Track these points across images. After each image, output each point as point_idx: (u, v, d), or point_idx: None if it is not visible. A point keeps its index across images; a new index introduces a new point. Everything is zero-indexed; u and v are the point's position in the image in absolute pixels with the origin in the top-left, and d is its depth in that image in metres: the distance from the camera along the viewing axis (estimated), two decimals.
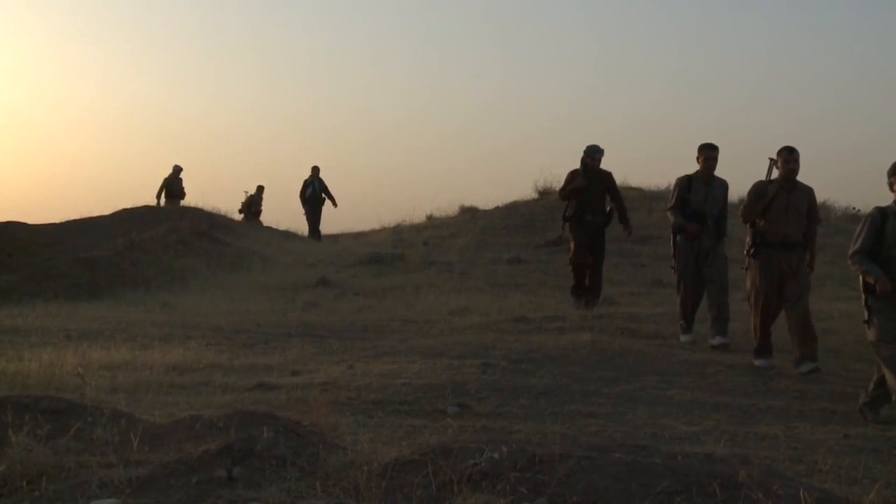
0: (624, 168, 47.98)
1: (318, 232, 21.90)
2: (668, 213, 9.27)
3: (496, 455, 3.89)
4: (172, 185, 22.33)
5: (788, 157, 7.93)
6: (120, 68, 49.10)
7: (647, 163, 40.57)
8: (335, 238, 21.46)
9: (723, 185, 9.28)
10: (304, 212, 21.97)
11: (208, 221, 19.44)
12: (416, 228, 20.87)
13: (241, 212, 23.65)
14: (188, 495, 3.83)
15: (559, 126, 46.99)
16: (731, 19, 52.41)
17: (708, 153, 9.04)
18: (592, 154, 11.10)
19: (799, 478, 4.11)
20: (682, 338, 9.08)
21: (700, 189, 9.07)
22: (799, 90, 47.93)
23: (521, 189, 27.69)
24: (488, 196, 32.77)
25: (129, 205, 20.44)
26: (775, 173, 8.07)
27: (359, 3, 54.90)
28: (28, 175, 40.33)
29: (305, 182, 21.78)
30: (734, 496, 3.44)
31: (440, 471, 3.80)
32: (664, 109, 47.93)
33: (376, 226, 22.22)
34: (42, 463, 4.19)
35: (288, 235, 21.51)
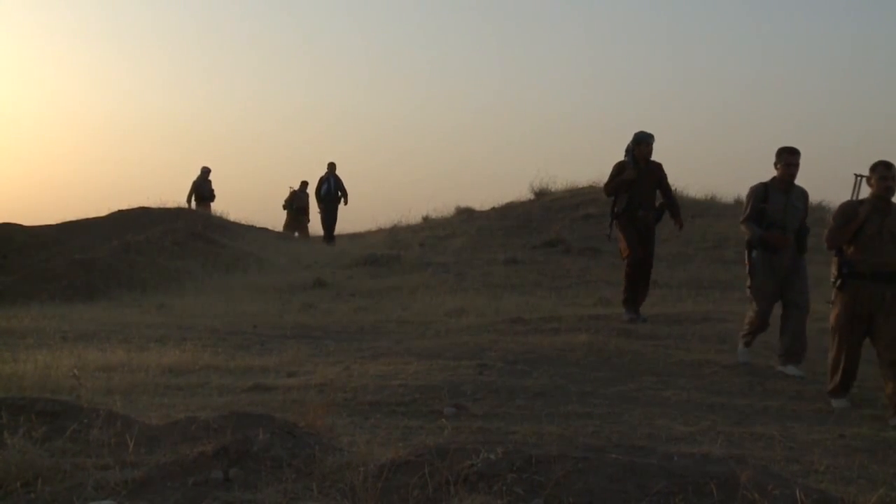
0: None
1: (332, 234, 21.26)
2: (742, 227, 8.08)
3: (492, 456, 3.90)
4: (201, 188, 22.03)
5: (886, 174, 6.74)
6: (115, 69, 49.07)
7: None
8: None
9: (803, 195, 8.11)
10: (317, 210, 21.41)
11: (203, 223, 19.42)
12: (412, 229, 20.87)
13: (285, 208, 22.65)
14: (184, 497, 3.83)
15: (555, 127, 47.02)
16: (730, 18, 52.49)
17: (788, 158, 7.83)
18: (642, 142, 10.01)
19: (795, 478, 4.12)
20: (741, 352, 8.19)
21: (778, 198, 7.90)
22: (798, 89, 48.00)
23: (518, 190, 27.69)
24: (484, 197, 32.83)
25: (124, 206, 20.44)
26: (865, 190, 6.99)
27: (354, 4, 54.92)
28: (24, 177, 40.28)
29: (321, 179, 21.26)
30: (731, 496, 3.45)
31: (436, 472, 3.80)
32: (662, 110, 47.96)
33: (372, 227, 22.24)
34: (38, 465, 4.19)
35: (284, 237, 21.47)
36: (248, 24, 52.92)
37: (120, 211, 20.15)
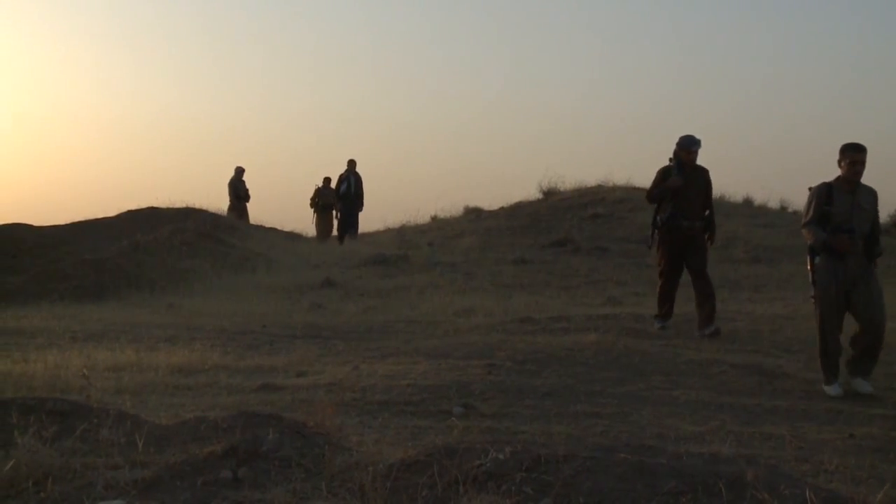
0: (630, 168, 48.03)
1: (355, 231, 20.80)
2: (804, 231, 7.36)
3: (501, 456, 3.90)
4: (237, 188, 21.91)
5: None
6: (125, 70, 49.19)
7: (652, 162, 40.49)
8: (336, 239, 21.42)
9: (872, 195, 7.33)
10: (337, 209, 21.00)
11: (213, 223, 19.43)
12: (420, 229, 20.87)
13: (311, 206, 22.08)
14: (194, 496, 3.84)
15: (563, 127, 46.98)
16: (735, 17, 52.38)
17: (854, 155, 7.16)
18: (688, 146, 9.40)
19: (805, 478, 4.10)
20: (829, 389, 7.13)
21: (844, 199, 7.18)
22: (804, 88, 47.87)
23: (526, 190, 27.75)
24: (493, 197, 32.82)
25: (134, 206, 20.48)
26: None
27: (361, 3, 54.95)
28: (33, 177, 40.43)
29: (340, 177, 20.92)
30: (740, 496, 3.44)
31: (445, 471, 3.80)
32: (669, 109, 47.86)
33: (381, 227, 22.22)
34: (48, 464, 4.20)
35: (292, 236, 21.48)
36: (256, 25, 53.00)
37: (129, 211, 20.20)
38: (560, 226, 18.05)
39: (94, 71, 48.61)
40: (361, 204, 20.89)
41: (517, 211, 20.10)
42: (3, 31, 47.53)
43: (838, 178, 7.25)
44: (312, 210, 22.13)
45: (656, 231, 9.61)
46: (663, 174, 9.48)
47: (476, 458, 3.90)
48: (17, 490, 4.02)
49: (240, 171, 22.11)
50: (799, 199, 19.23)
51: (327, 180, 21.68)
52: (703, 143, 9.44)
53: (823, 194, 7.24)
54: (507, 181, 43.00)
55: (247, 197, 22.18)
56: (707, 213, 9.53)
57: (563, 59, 51.33)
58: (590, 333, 8.99)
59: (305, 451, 4.29)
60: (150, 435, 4.64)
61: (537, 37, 52.40)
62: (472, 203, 21.64)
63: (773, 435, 5.71)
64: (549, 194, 20.93)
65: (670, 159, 9.45)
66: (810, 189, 7.37)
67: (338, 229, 21.12)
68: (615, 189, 20.47)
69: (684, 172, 9.34)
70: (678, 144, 9.40)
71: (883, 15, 49.23)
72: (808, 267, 7.37)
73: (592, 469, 3.74)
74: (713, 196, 9.88)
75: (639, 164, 45.32)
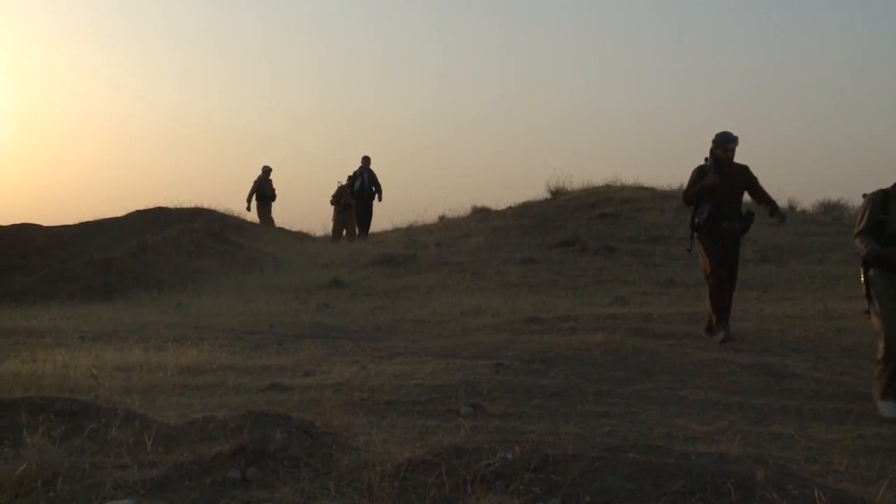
0: (638, 168, 47.98)
1: (366, 231, 20.73)
2: (857, 241, 6.83)
3: (509, 455, 3.90)
4: (263, 188, 21.84)
5: None
6: (133, 70, 49.29)
7: (659, 162, 40.45)
8: (344, 239, 21.42)
9: None
10: (352, 206, 20.83)
11: (221, 223, 19.46)
12: (428, 229, 20.87)
13: (332, 204, 21.65)
14: (202, 496, 3.85)
15: (571, 126, 46.95)
16: (740, 17, 52.26)
17: None
18: (724, 143, 8.97)
19: (814, 478, 4.10)
20: (885, 408, 6.49)
21: None
22: (810, 87, 47.75)
23: (534, 189, 27.67)
24: (500, 196, 32.82)
25: (142, 207, 20.52)
26: None
27: (368, 3, 54.98)
28: (42, 177, 40.54)
29: (354, 174, 20.85)
30: (748, 496, 3.43)
31: (453, 471, 3.81)
32: (677, 109, 47.80)
33: (388, 226, 22.22)
34: (57, 464, 4.22)
35: (300, 236, 21.50)
36: (264, 26, 53.08)
37: (138, 211, 20.24)
38: (568, 225, 18.02)
39: (102, 71, 48.76)
40: (380, 196, 20.84)
41: (525, 211, 20.08)
42: (11, 31, 47.68)
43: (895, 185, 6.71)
44: (333, 208, 21.91)
45: (695, 234, 9.12)
46: (699, 173, 9.08)
47: (484, 458, 3.90)
48: (26, 489, 4.04)
49: (267, 171, 22.00)
50: (805, 199, 19.24)
51: (352, 177, 21.32)
52: (739, 140, 8.97)
53: (879, 202, 6.67)
54: (514, 181, 43.01)
55: (273, 196, 22.07)
56: (746, 212, 9.09)
57: (571, 58, 51.33)
58: (597, 333, 8.98)
59: (313, 450, 4.30)
60: (158, 435, 4.65)
61: (545, 36, 52.40)
62: (480, 203, 21.64)
63: (782, 435, 5.70)
64: (557, 194, 20.91)
65: (706, 158, 9.06)
66: (865, 195, 6.83)
67: (357, 227, 20.99)
68: (623, 189, 20.45)
69: (721, 171, 8.95)
70: (714, 141, 9.01)
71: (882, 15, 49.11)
72: (862, 279, 6.81)
73: (600, 469, 3.74)
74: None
75: (647, 164, 45.26)
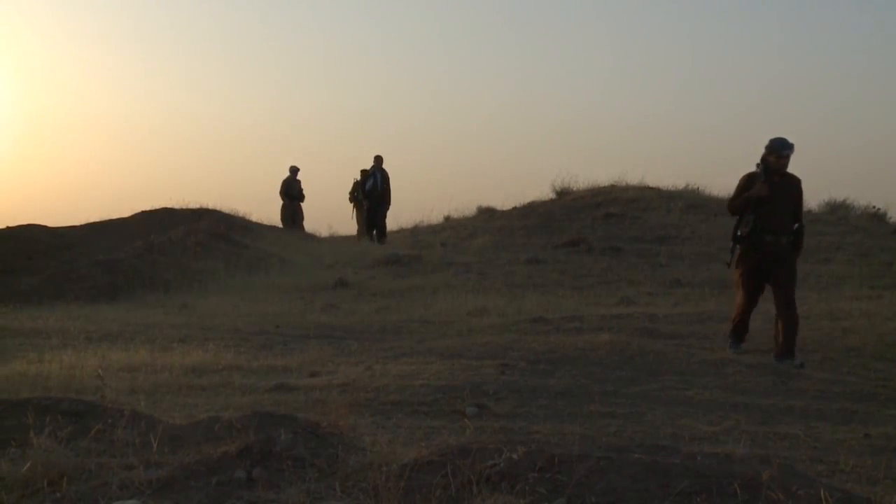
0: (643, 168, 47.93)
1: (383, 231, 20.46)
2: None
3: (515, 456, 3.89)
4: (291, 188, 21.76)
5: None
6: (139, 71, 49.37)
7: (665, 162, 40.44)
8: (353, 239, 21.43)
9: None
10: (364, 207, 20.74)
11: (226, 223, 19.48)
12: (433, 229, 20.87)
13: (351, 200, 21.77)
14: (208, 496, 3.85)
15: (577, 126, 46.92)
16: (746, 16, 52.19)
17: None
18: (779, 150, 8.21)
19: (820, 478, 4.09)
20: None
21: None
22: (814, 87, 47.68)
23: (539, 189, 27.68)
24: (506, 197, 32.72)
25: (148, 207, 20.55)
26: None
27: (376, 5, 55.00)
28: (48, 178, 40.62)
29: (367, 173, 20.71)
30: (754, 496, 3.43)
31: (459, 471, 3.80)
32: (681, 108, 47.75)
33: (394, 227, 22.23)
34: (63, 464, 4.22)
35: (306, 237, 21.52)
36: (269, 26, 53.13)
37: (143, 212, 20.25)
38: (573, 225, 18.03)
39: (107, 72, 48.84)
40: (388, 202, 20.47)
41: (530, 211, 20.08)
42: (16, 32, 47.78)
43: None
44: (352, 205, 21.86)
45: (737, 246, 8.46)
46: (747, 181, 8.36)
47: (489, 458, 3.90)
48: (32, 490, 4.05)
49: (294, 171, 21.84)
50: (811, 198, 19.14)
51: (364, 172, 21.12)
52: (795, 147, 8.23)
53: None
54: (520, 181, 43.10)
55: (301, 197, 21.97)
56: (796, 226, 8.35)
57: (575, 58, 51.29)
58: (603, 333, 8.97)
59: (319, 451, 4.30)
60: (164, 435, 4.66)
61: (550, 37, 52.38)
62: (486, 203, 21.64)
63: (788, 435, 5.70)
64: (563, 194, 20.91)
65: (757, 165, 8.32)
66: None
67: (366, 226, 20.85)
68: (628, 189, 20.44)
69: (772, 180, 8.21)
70: (767, 148, 8.25)
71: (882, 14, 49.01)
72: None
73: (606, 469, 3.74)
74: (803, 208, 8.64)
75: (652, 164, 45.25)
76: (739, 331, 8.61)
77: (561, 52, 51.92)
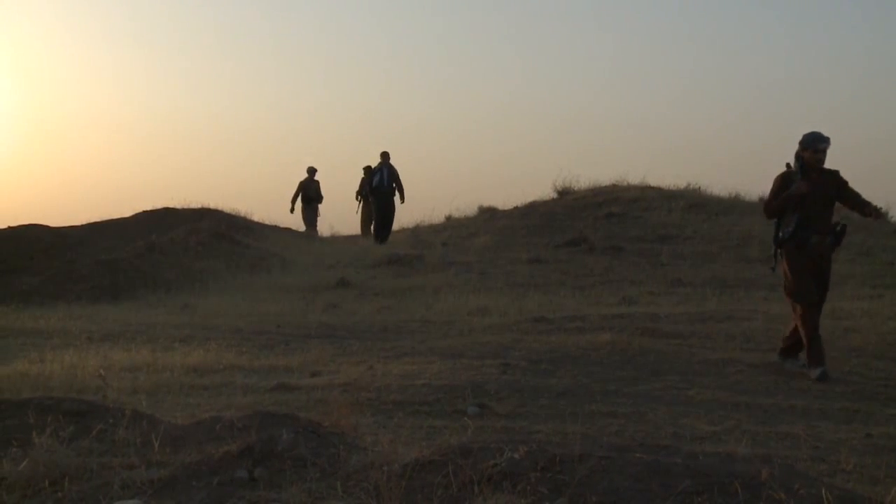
0: (645, 167, 47.92)
1: (388, 230, 20.10)
2: None
3: (516, 455, 3.90)
4: (308, 189, 21.56)
5: None
6: (140, 71, 49.38)
7: (666, 161, 40.42)
8: (354, 239, 21.43)
9: None
10: (371, 203, 20.40)
11: (227, 223, 19.47)
12: (434, 229, 20.86)
13: (358, 198, 21.57)
14: (209, 496, 3.85)
15: (578, 126, 46.91)
16: (748, 15, 52.16)
17: None
18: (814, 145, 7.70)
19: (821, 477, 4.09)
20: None
21: None
22: (814, 86, 47.65)
23: (540, 189, 27.67)
24: (507, 196, 32.73)
25: (149, 207, 20.55)
26: None
27: (375, 2, 54.99)
28: (49, 178, 40.64)
29: (372, 169, 20.25)
30: (756, 496, 3.43)
31: (460, 471, 3.81)
32: (683, 107, 47.74)
33: (395, 226, 22.19)
34: (65, 464, 4.23)
35: (307, 237, 21.51)
36: (270, 26, 53.13)
37: (144, 212, 20.25)
38: (575, 225, 18.01)
39: (108, 71, 48.84)
40: (403, 197, 20.02)
41: (532, 210, 20.06)
42: (18, 33, 47.81)
43: None
44: (358, 202, 21.70)
45: (779, 250, 7.94)
46: (783, 181, 7.83)
47: (491, 458, 3.90)
48: (34, 490, 4.05)
49: (312, 171, 21.71)
50: None
51: (367, 169, 20.89)
52: (831, 141, 7.75)
53: None
54: (521, 180, 43.09)
55: (319, 198, 21.82)
56: (840, 226, 7.82)
57: (577, 58, 51.28)
58: (605, 333, 8.97)
59: (321, 450, 4.30)
60: (165, 435, 4.66)
61: (551, 36, 52.36)
62: (487, 202, 21.60)
63: (790, 434, 5.69)
64: (564, 193, 20.89)
65: (788, 164, 7.88)
66: None
67: (374, 227, 20.46)
68: (630, 188, 20.43)
69: (810, 178, 7.70)
70: (801, 143, 7.76)
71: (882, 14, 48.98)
72: None
73: (607, 469, 3.74)
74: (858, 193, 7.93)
75: (654, 164, 45.21)
76: (818, 352, 7.60)
77: (563, 52, 51.94)
